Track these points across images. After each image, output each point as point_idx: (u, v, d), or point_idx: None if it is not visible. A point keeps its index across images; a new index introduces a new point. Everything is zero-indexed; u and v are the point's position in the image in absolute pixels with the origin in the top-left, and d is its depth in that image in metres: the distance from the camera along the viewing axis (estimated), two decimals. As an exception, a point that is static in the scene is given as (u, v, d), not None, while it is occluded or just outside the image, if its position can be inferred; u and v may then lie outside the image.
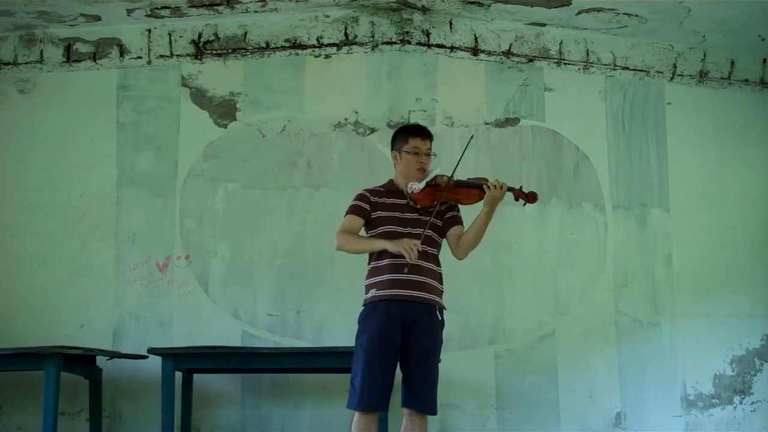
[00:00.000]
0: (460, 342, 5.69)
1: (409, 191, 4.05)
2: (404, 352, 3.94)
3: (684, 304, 5.89)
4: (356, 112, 5.89)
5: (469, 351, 5.69)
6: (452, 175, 4.03)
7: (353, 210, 4.08)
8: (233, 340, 5.58)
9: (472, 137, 4.35)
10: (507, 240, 5.84)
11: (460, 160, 4.07)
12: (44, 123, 5.83)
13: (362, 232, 4.13)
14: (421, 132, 4.15)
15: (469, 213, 4.16)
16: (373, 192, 4.13)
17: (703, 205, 6.02)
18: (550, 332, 5.79)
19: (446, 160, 5.75)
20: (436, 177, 4.07)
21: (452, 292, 5.68)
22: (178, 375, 5.18)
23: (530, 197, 4.10)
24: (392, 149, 4.20)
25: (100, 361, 5.37)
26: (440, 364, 5.33)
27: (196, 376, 5.45)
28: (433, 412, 3.96)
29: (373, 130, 5.88)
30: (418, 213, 4.04)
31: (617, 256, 5.92)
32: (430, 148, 4.12)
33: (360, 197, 4.11)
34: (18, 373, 5.24)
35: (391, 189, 4.14)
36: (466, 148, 4.14)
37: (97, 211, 5.75)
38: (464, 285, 5.73)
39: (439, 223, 4.08)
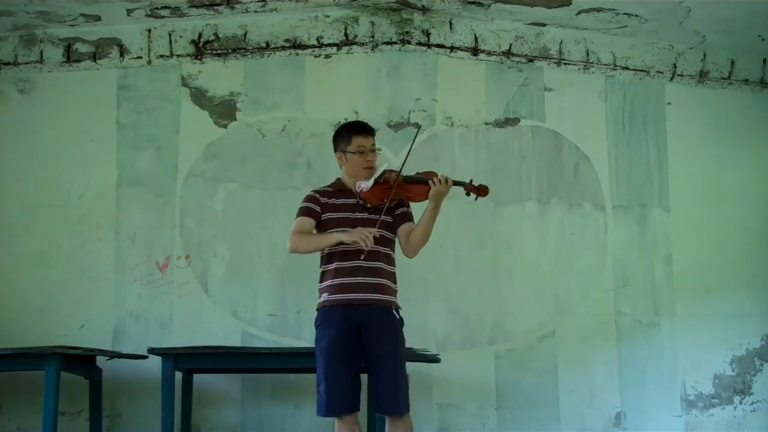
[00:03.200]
0: (460, 342, 5.70)
1: (358, 190, 3.98)
2: (367, 357, 3.88)
3: (684, 304, 5.90)
4: (356, 112, 5.88)
5: (469, 351, 5.69)
6: (400, 171, 3.96)
7: (304, 212, 4.03)
8: (233, 340, 5.58)
9: (419, 128, 4.26)
10: (507, 240, 5.84)
11: (408, 155, 4.00)
12: (44, 123, 5.83)
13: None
14: (363, 130, 4.06)
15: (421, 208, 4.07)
16: (322, 193, 4.07)
17: (703, 205, 6.03)
18: (550, 332, 5.79)
19: (446, 160, 5.81)
20: (384, 173, 3.98)
21: (452, 292, 5.75)
22: (178, 375, 5.17)
23: (481, 191, 4.00)
24: (335, 150, 4.11)
25: (100, 361, 5.36)
26: (440, 365, 5.38)
27: (196, 376, 5.45)
28: (403, 412, 3.85)
29: (373, 130, 5.87)
30: (368, 212, 3.97)
31: (617, 256, 5.92)
32: (374, 144, 4.04)
33: (310, 199, 4.06)
34: (18, 373, 5.24)
35: (340, 189, 4.07)
36: (413, 142, 4.06)
37: (97, 211, 5.75)
38: (464, 285, 5.74)
39: (390, 219, 4.01)
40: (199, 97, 5.89)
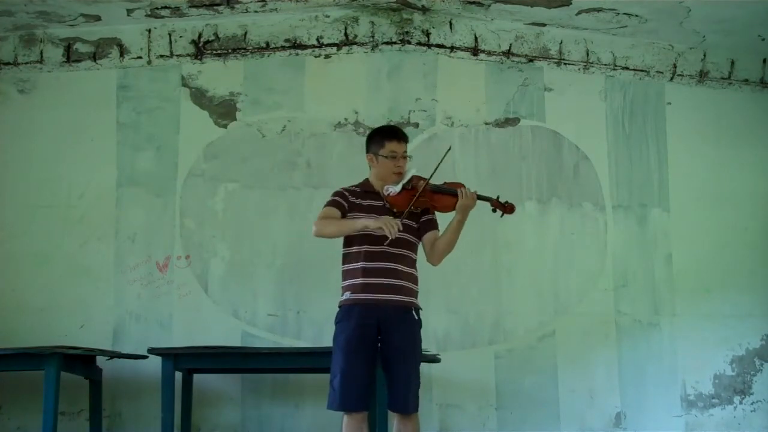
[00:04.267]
0: (460, 342, 5.70)
1: (386, 193, 4.03)
2: (383, 354, 3.93)
3: (684, 304, 5.90)
4: (356, 112, 5.89)
5: (469, 351, 5.70)
6: (429, 178, 4.00)
7: (332, 203, 4.06)
8: (233, 340, 5.58)
9: (450, 149, 4.30)
10: (507, 240, 5.84)
11: (439, 164, 4.01)
12: (44, 123, 5.83)
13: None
14: (397, 135, 4.11)
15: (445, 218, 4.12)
16: (351, 192, 4.10)
17: (703, 205, 6.03)
18: (550, 332, 5.79)
19: (446, 161, 5.79)
20: (412, 179, 4.03)
21: (452, 292, 5.74)
22: (178, 375, 5.17)
23: (507, 208, 4.08)
24: (367, 151, 4.15)
25: (100, 361, 5.36)
26: (440, 365, 5.38)
27: (196, 376, 5.45)
28: (411, 411, 3.90)
29: (373, 130, 5.87)
30: (394, 215, 3.99)
31: (617, 256, 5.92)
32: (406, 151, 4.10)
33: (338, 194, 4.09)
34: (18, 373, 5.24)
35: (367, 190, 4.11)
36: (442, 160, 4.08)
37: (97, 211, 5.75)
38: (464, 285, 5.74)
39: (415, 225, 4.06)
40: (199, 97, 5.89)
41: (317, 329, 5.64)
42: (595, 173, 5.98)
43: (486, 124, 5.97)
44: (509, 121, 5.99)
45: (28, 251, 5.70)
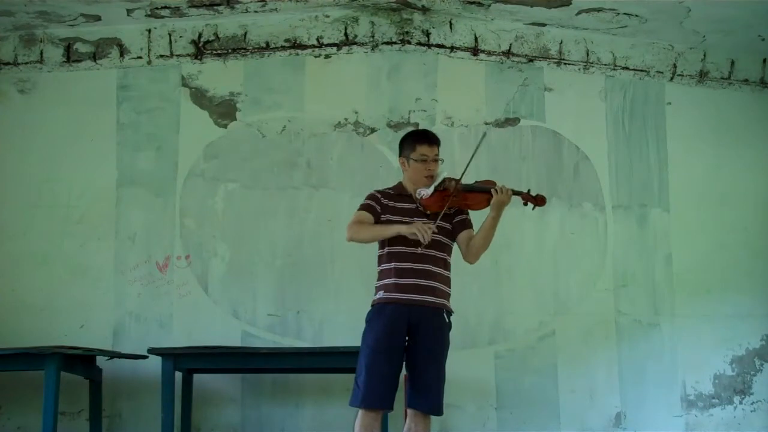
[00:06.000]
0: (460, 342, 5.65)
1: (418, 197, 4.08)
2: (410, 353, 3.96)
3: (684, 304, 5.90)
4: (356, 112, 5.89)
5: (469, 351, 5.69)
6: (460, 179, 4.07)
7: (364, 207, 4.10)
8: (233, 340, 5.58)
9: (485, 135, 4.37)
10: (507, 240, 5.83)
11: (470, 162, 4.08)
12: (44, 123, 5.83)
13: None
14: (428, 139, 4.15)
15: (477, 216, 4.17)
16: (384, 194, 4.15)
17: (703, 205, 6.03)
18: (550, 332, 5.79)
19: (446, 161, 5.79)
20: (444, 181, 4.09)
21: (453, 292, 5.73)
22: (178, 375, 5.18)
23: (539, 200, 4.15)
24: (400, 155, 4.20)
25: (100, 361, 5.37)
26: (440, 364, 5.36)
27: (196, 376, 5.45)
28: (439, 413, 3.97)
29: (373, 130, 5.88)
30: (427, 218, 4.05)
31: (617, 256, 5.92)
32: (437, 154, 4.13)
33: (371, 197, 4.14)
34: (18, 373, 5.25)
35: (401, 193, 4.15)
36: (477, 148, 4.15)
37: (97, 211, 5.75)
38: (464, 285, 5.73)
39: (449, 227, 4.10)
40: (199, 97, 5.89)
41: (317, 329, 5.64)
42: (595, 173, 5.98)
43: (486, 124, 5.97)
44: (509, 121, 5.99)
45: (28, 251, 5.70)
